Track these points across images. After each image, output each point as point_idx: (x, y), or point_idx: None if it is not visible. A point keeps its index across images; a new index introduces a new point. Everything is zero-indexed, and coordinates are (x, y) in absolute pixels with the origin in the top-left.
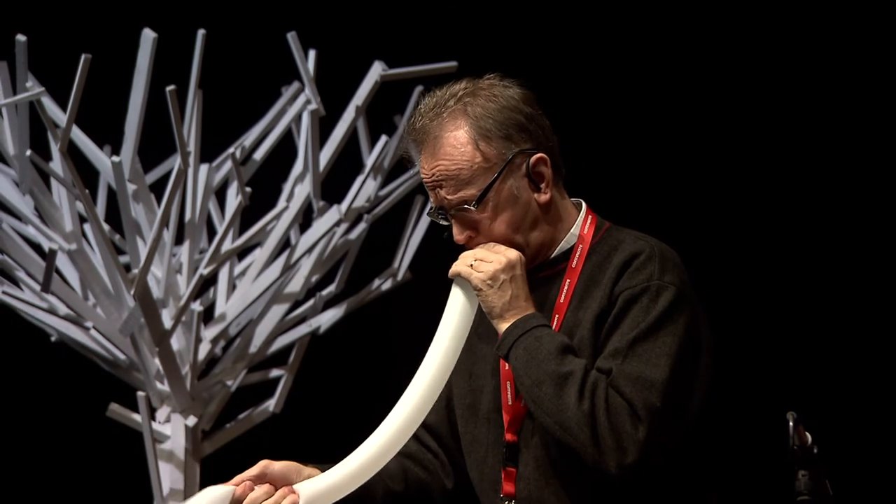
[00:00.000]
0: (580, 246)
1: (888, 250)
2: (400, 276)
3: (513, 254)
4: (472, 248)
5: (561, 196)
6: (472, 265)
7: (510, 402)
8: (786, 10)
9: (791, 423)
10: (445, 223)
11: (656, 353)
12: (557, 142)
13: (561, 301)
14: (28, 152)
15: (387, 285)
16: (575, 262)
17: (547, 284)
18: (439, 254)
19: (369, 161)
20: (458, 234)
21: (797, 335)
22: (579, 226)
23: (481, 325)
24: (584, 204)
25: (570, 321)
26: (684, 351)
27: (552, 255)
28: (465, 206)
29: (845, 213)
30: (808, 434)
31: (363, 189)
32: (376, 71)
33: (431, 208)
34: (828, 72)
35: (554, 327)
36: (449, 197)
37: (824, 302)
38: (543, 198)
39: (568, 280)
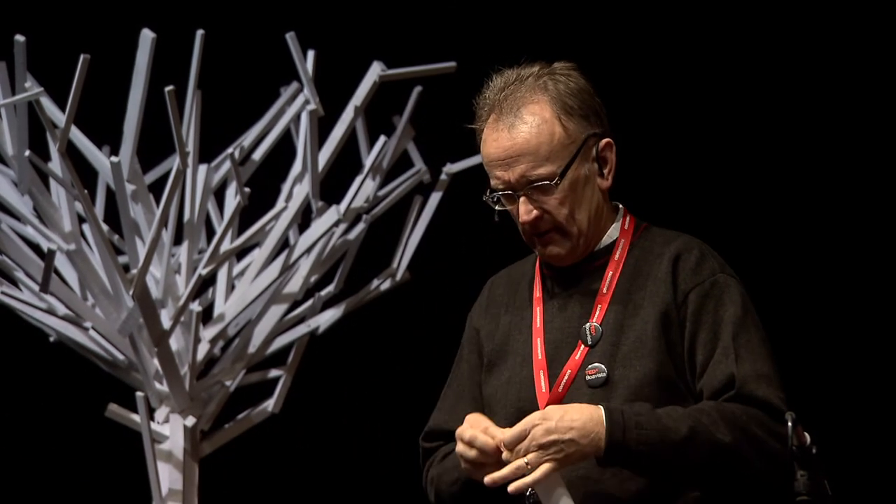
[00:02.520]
0: (622, 240)
1: (888, 251)
2: (399, 277)
3: (536, 417)
4: (539, 229)
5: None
6: (527, 465)
7: (543, 390)
8: (811, 11)
9: (790, 424)
10: (500, 208)
11: (756, 344)
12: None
13: (604, 291)
14: (27, 152)
15: (385, 285)
16: (618, 255)
17: (589, 276)
18: (438, 254)
19: (368, 161)
20: (527, 214)
21: (796, 335)
22: (620, 221)
23: (505, 312)
24: (621, 206)
25: (616, 310)
26: (765, 335)
27: (596, 249)
28: (545, 183)
29: (844, 214)
30: (806, 434)
31: (362, 189)
32: (375, 71)
33: (489, 190)
34: (834, 74)
35: (597, 317)
36: (527, 173)
37: (823, 302)
38: (605, 184)
39: (611, 272)
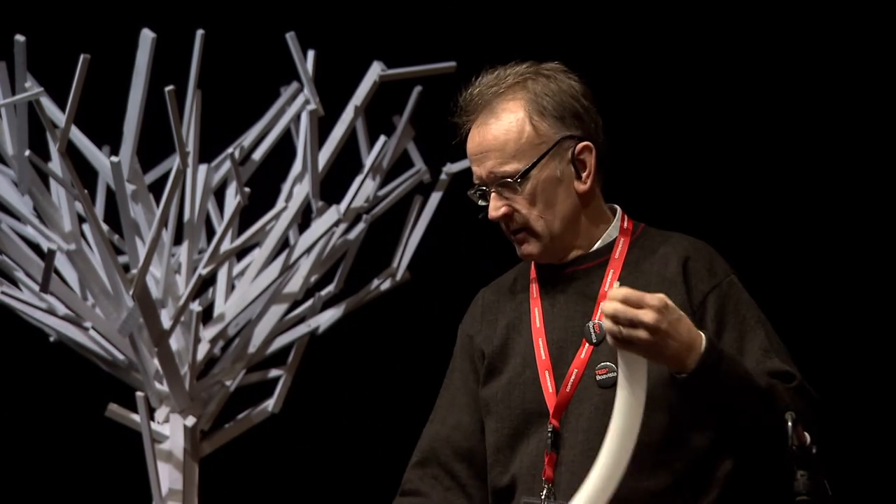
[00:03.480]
0: (622, 239)
1: (886, 250)
2: (399, 277)
3: (662, 298)
4: (509, 226)
5: (600, 195)
6: (620, 330)
7: (550, 391)
8: (809, 11)
9: (790, 424)
10: (483, 203)
11: (785, 347)
12: (605, 142)
13: (605, 289)
14: (27, 152)
15: (386, 285)
16: (618, 253)
17: (588, 275)
18: (438, 254)
19: (368, 161)
20: (494, 210)
21: (794, 335)
22: (618, 221)
23: (502, 315)
24: (619, 209)
25: None
26: None
27: (593, 248)
28: (508, 180)
29: (843, 213)
30: (806, 434)
31: (362, 189)
32: (375, 71)
33: (472, 187)
34: (832, 74)
35: (600, 315)
36: (494, 169)
37: (822, 302)
38: (582, 187)
39: (611, 270)
